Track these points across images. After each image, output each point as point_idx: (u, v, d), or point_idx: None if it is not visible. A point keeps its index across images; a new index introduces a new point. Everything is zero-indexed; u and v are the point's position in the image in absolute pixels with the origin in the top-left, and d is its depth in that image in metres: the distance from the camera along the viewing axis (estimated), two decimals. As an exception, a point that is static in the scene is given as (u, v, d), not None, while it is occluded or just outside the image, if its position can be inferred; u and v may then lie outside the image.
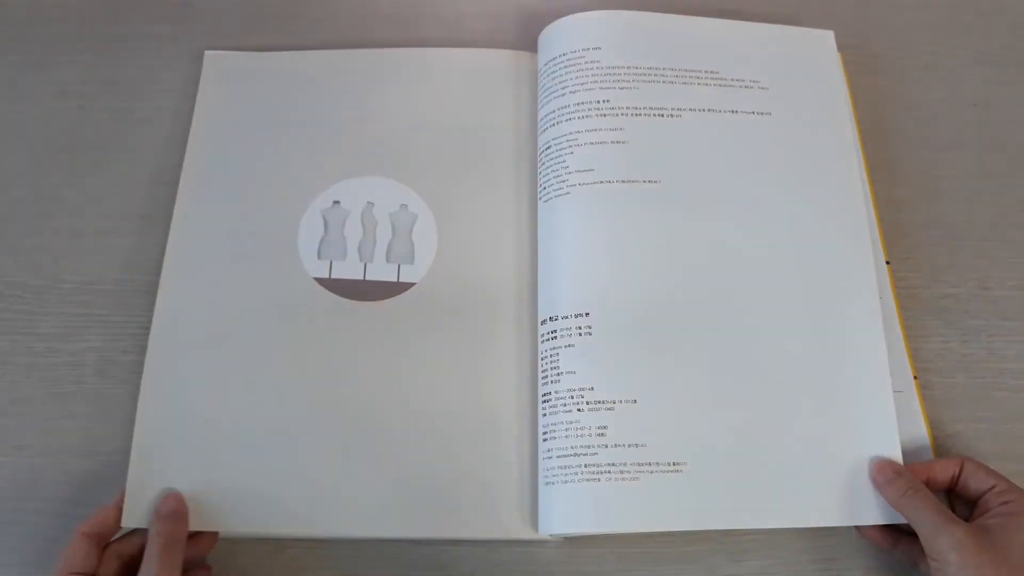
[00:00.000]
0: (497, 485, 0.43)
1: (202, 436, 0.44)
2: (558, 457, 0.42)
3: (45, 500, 0.45)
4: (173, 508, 0.41)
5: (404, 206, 0.49)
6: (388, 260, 0.48)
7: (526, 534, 0.42)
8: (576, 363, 0.43)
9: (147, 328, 0.47)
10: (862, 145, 0.51)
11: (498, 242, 0.48)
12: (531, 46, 0.53)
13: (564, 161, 0.47)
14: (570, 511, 0.41)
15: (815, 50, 0.52)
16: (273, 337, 0.46)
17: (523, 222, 0.49)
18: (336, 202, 0.49)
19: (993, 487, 0.39)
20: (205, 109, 0.52)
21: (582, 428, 0.42)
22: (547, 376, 0.44)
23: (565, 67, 0.50)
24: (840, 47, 0.53)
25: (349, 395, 0.45)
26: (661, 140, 0.48)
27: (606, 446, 0.41)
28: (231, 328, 0.46)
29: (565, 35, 0.51)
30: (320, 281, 0.47)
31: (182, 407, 0.44)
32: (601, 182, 0.46)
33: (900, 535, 0.42)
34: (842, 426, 0.43)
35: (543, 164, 0.48)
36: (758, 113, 0.49)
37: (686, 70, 0.50)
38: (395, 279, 0.47)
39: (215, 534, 0.43)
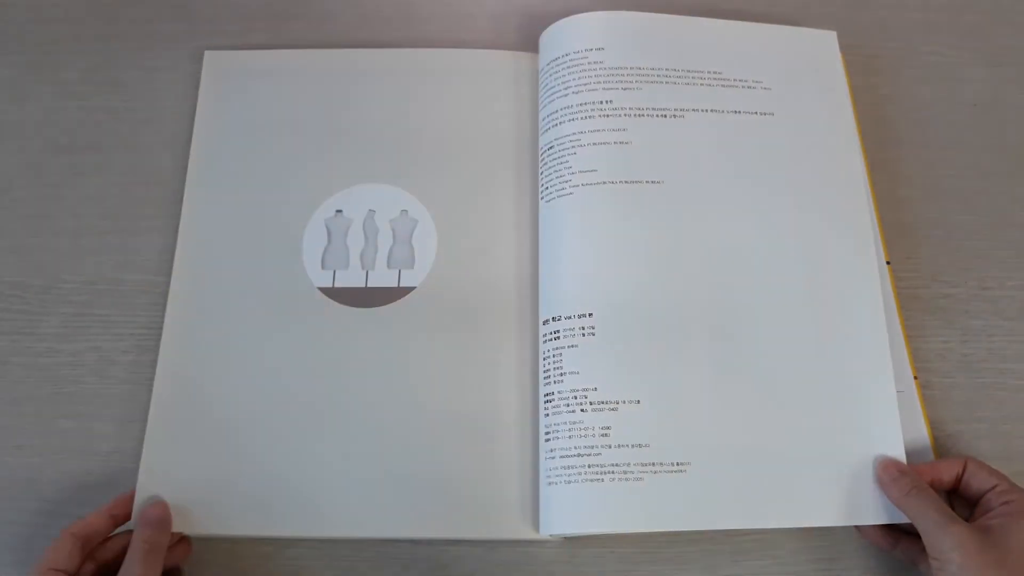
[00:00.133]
0: (497, 485, 0.43)
1: (210, 440, 0.44)
2: (561, 457, 0.42)
3: (45, 500, 0.45)
4: (160, 515, 0.41)
5: (404, 212, 0.49)
6: (389, 266, 0.48)
7: (526, 534, 0.42)
8: (579, 363, 0.43)
9: (147, 328, 0.48)
10: (862, 145, 0.51)
11: (498, 243, 0.48)
12: (531, 47, 0.53)
13: (567, 161, 0.47)
14: (573, 511, 0.41)
15: (818, 50, 0.52)
16: (278, 344, 0.46)
17: (523, 222, 0.49)
18: (339, 211, 0.49)
19: (995, 487, 0.39)
20: (206, 109, 0.52)
21: (585, 428, 0.42)
22: (549, 376, 0.44)
23: (568, 67, 0.50)
24: (840, 47, 0.53)
25: (350, 398, 0.45)
26: (664, 141, 0.48)
27: (609, 446, 0.41)
28: (238, 337, 0.46)
29: (568, 35, 0.51)
30: (324, 291, 0.47)
31: (191, 414, 0.45)
32: (604, 183, 0.46)
33: (900, 535, 0.42)
34: (846, 426, 0.43)
35: (545, 164, 0.48)
36: (761, 113, 0.49)
37: (689, 71, 0.50)
38: (396, 284, 0.47)
39: (189, 544, 0.43)
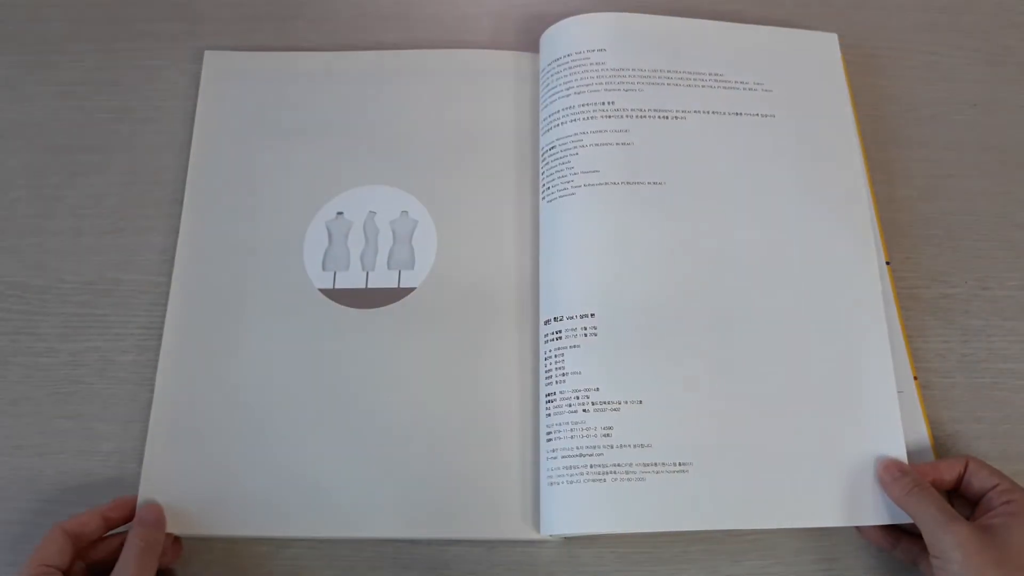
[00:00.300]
0: (498, 485, 0.43)
1: (210, 441, 0.44)
2: (563, 457, 0.42)
3: (45, 500, 0.45)
4: (156, 516, 0.41)
5: (404, 212, 0.49)
6: (389, 267, 0.48)
7: (527, 534, 0.42)
8: (581, 364, 0.43)
9: (147, 328, 0.48)
10: (863, 145, 0.51)
11: (498, 243, 0.48)
12: (531, 47, 0.53)
13: (569, 162, 0.47)
14: (575, 511, 0.41)
15: (818, 53, 0.52)
16: (279, 345, 0.46)
17: (523, 223, 0.49)
18: (339, 213, 0.49)
19: (996, 486, 0.39)
20: (206, 109, 0.52)
21: (587, 428, 0.42)
22: (551, 376, 0.44)
23: (570, 68, 0.50)
24: (841, 47, 0.53)
25: (351, 398, 0.45)
26: (666, 142, 0.48)
27: (612, 447, 0.41)
28: (239, 338, 0.46)
29: (569, 36, 0.51)
30: (325, 292, 0.47)
31: (192, 415, 0.45)
32: (606, 183, 0.46)
33: (901, 535, 0.42)
34: (847, 426, 0.43)
35: (546, 164, 0.48)
36: (762, 115, 0.49)
37: (690, 72, 0.50)
38: (396, 285, 0.47)
39: (180, 545, 0.43)
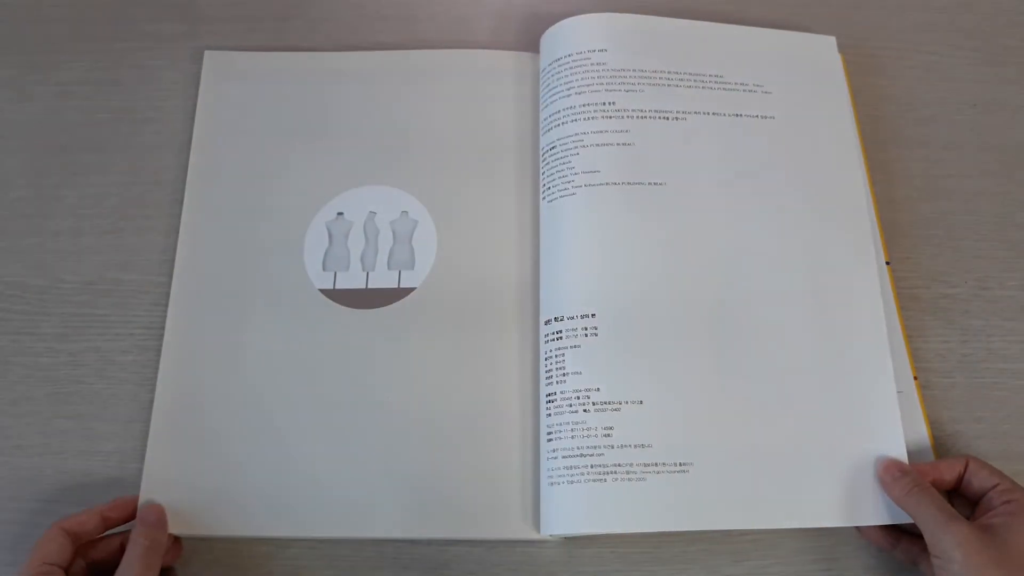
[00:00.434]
0: (498, 485, 0.43)
1: (211, 442, 0.44)
2: (563, 457, 0.42)
3: (45, 500, 0.45)
4: (158, 516, 0.42)
5: (405, 213, 0.49)
6: (389, 267, 0.48)
7: (527, 534, 0.42)
8: (582, 364, 0.43)
9: (147, 328, 0.48)
10: (863, 145, 0.51)
11: (498, 243, 0.48)
12: (531, 47, 0.53)
13: (569, 162, 0.47)
14: (575, 511, 0.41)
15: (818, 55, 0.52)
16: (279, 346, 0.46)
17: (524, 222, 0.49)
18: (340, 214, 0.49)
19: (996, 486, 0.39)
20: (206, 109, 0.52)
21: (588, 429, 0.42)
22: (552, 376, 0.44)
23: (571, 68, 0.50)
24: (840, 47, 0.53)
25: (351, 399, 0.45)
26: (666, 143, 0.48)
27: (612, 447, 0.41)
28: (240, 338, 0.46)
29: (570, 36, 0.51)
30: (325, 292, 0.47)
31: (193, 416, 0.45)
32: (607, 183, 0.46)
33: (901, 535, 0.42)
34: (847, 427, 0.43)
35: (547, 164, 0.48)
36: (762, 117, 0.49)
37: (691, 74, 0.50)
38: (396, 285, 0.48)
39: (180, 546, 0.43)
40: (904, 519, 0.41)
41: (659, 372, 0.43)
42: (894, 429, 0.43)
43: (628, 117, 0.48)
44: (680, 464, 0.41)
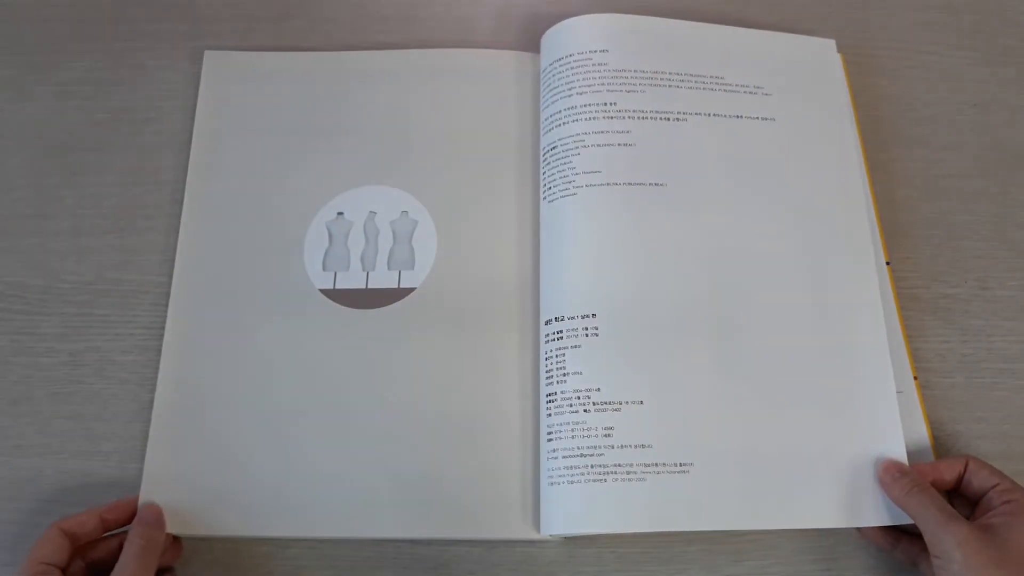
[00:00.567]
0: (498, 485, 0.43)
1: (212, 442, 0.44)
2: (564, 457, 0.42)
3: (45, 500, 0.45)
4: (156, 516, 0.42)
5: (405, 213, 0.49)
6: (389, 267, 0.48)
7: (527, 534, 0.42)
8: (583, 364, 0.43)
9: (147, 328, 0.48)
10: (863, 145, 0.51)
11: (498, 243, 0.48)
12: (531, 47, 0.53)
13: (570, 162, 0.47)
14: (575, 511, 0.41)
15: (817, 58, 0.52)
16: (279, 346, 0.46)
17: (523, 222, 0.49)
18: (340, 213, 0.49)
19: (996, 486, 0.39)
20: (206, 109, 0.52)
21: (588, 429, 0.42)
22: (552, 376, 0.44)
23: (572, 68, 0.50)
24: (840, 47, 0.53)
25: (351, 399, 0.45)
26: (667, 143, 0.48)
27: (612, 447, 0.41)
28: (240, 338, 0.47)
29: (572, 36, 0.51)
30: (325, 292, 0.47)
31: (193, 416, 0.45)
32: (608, 184, 0.46)
33: (900, 535, 0.42)
34: (847, 427, 0.43)
35: (547, 164, 0.48)
36: (762, 119, 0.50)
37: (691, 75, 0.50)
38: (396, 285, 0.48)
39: (180, 545, 0.43)
40: (904, 520, 0.41)
41: (659, 372, 0.43)
42: (894, 429, 0.43)
43: (629, 118, 0.48)
44: (680, 464, 0.41)
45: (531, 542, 0.43)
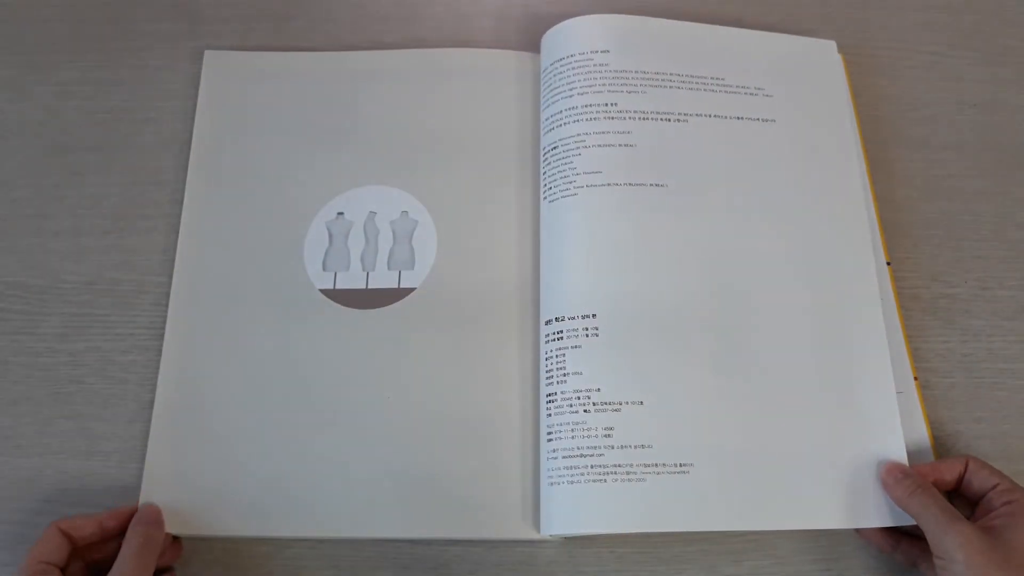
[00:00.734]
0: (498, 485, 0.43)
1: (212, 442, 0.44)
2: (563, 458, 0.42)
3: (45, 500, 0.45)
4: (154, 516, 0.42)
5: (405, 213, 0.49)
6: (389, 267, 0.48)
7: (527, 534, 0.42)
8: (583, 364, 0.43)
9: (147, 328, 0.48)
10: (863, 145, 0.51)
11: (498, 243, 0.48)
12: (531, 47, 0.53)
13: (571, 162, 0.47)
14: (575, 511, 0.41)
15: (818, 60, 0.52)
16: (279, 345, 0.46)
17: (523, 222, 0.49)
18: (340, 213, 0.49)
19: (996, 486, 0.39)
20: (206, 109, 0.52)
21: (588, 429, 0.42)
22: (552, 377, 0.44)
23: (573, 68, 0.50)
24: (840, 47, 0.53)
25: (351, 398, 0.45)
26: (668, 144, 0.48)
27: (612, 447, 0.41)
28: (240, 338, 0.47)
29: (572, 37, 0.51)
30: (325, 292, 0.47)
31: (193, 416, 0.45)
32: (608, 184, 0.46)
33: (901, 537, 0.42)
34: (847, 428, 0.43)
35: (548, 164, 0.48)
36: (763, 120, 0.50)
37: (692, 76, 0.50)
38: (396, 285, 0.48)
39: (180, 546, 0.43)
40: (905, 521, 0.41)
41: (660, 373, 0.43)
42: (894, 429, 0.43)
43: (630, 118, 0.48)
44: (680, 465, 0.41)
45: (531, 542, 0.43)
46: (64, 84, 0.55)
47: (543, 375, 0.44)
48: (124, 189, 0.52)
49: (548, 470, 0.42)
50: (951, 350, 0.48)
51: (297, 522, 0.43)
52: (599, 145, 0.47)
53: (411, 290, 0.47)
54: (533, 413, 0.45)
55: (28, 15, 0.57)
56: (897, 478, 0.41)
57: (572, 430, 0.42)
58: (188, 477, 0.43)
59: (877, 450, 0.42)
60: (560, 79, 0.50)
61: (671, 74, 0.50)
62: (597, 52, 0.50)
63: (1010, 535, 0.37)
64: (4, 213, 0.51)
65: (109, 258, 0.50)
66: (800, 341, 0.45)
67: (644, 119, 0.48)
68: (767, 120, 0.50)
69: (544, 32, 0.52)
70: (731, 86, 0.50)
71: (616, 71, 0.49)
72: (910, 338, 0.47)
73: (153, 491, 0.43)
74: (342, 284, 0.48)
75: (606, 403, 0.42)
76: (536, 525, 0.42)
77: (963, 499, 0.41)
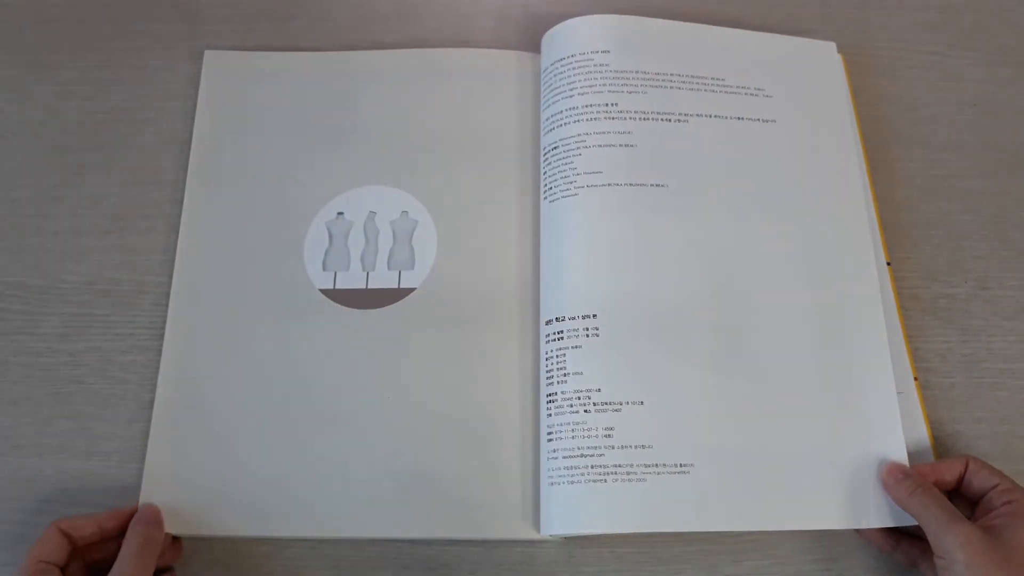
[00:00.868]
0: (498, 485, 0.43)
1: (212, 442, 0.44)
2: (564, 458, 0.42)
3: (45, 500, 0.45)
4: (154, 515, 0.42)
5: (405, 213, 0.49)
6: (389, 267, 0.48)
7: (527, 534, 0.42)
8: (583, 364, 0.43)
9: (147, 328, 0.48)
10: (863, 145, 0.51)
11: (499, 243, 0.48)
12: (532, 47, 0.53)
13: (572, 162, 0.47)
14: (575, 511, 0.41)
15: (818, 61, 0.52)
16: (279, 345, 0.46)
17: (524, 222, 0.49)
18: (340, 213, 0.49)
19: (996, 486, 0.39)
20: (206, 109, 0.52)
21: (589, 429, 0.42)
22: (553, 377, 0.44)
23: (573, 69, 0.50)
24: (840, 48, 0.53)
25: (351, 398, 0.45)
26: (668, 145, 0.48)
27: (613, 447, 0.41)
28: (240, 338, 0.47)
29: (573, 37, 0.51)
30: (325, 292, 0.47)
31: (193, 416, 0.45)
32: (609, 184, 0.47)
33: (901, 537, 0.42)
34: (848, 428, 0.43)
35: (548, 164, 0.48)
36: (763, 120, 0.50)
37: (693, 76, 0.50)
38: (396, 285, 0.48)
39: (180, 546, 0.43)
40: (906, 521, 0.41)
41: (660, 373, 0.43)
42: (894, 430, 0.43)
43: (630, 119, 0.48)
44: (680, 465, 0.41)
45: (531, 542, 0.43)
46: (64, 84, 0.55)
47: (543, 375, 0.44)
48: (124, 189, 0.52)
49: (548, 470, 0.42)
50: (951, 350, 0.48)
51: (297, 522, 0.43)
52: (599, 145, 0.47)
53: (411, 290, 0.47)
54: (533, 413, 0.45)
55: (28, 15, 0.57)
56: (897, 478, 0.41)
57: (572, 430, 0.42)
58: (188, 477, 0.44)
59: (877, 450, 0.42)
60: (560, 79, 0.50)
61: (671, 74, 0.50)
62: (597, 52, 0.50)
63: (1010, 535, 0.37)
64: (4, 213, 0.51)
65: (109, 258, 0.50)
66: (800, 341, 0.45)
67: (644, 119, 0.48)
68: (767, 120, 0.50)
69: (544, 32, 0.52)
70: (731, 87, 0.50)
71: (616, 71, 0.49)
72: (910, 338, 0.47)
73: (153, 491, 0.43)
74: (342, 284, 0.48)
75: (606, 403, 0.42)
76: (536, 525, 0.42)
77: (963, 499, 0.41)
